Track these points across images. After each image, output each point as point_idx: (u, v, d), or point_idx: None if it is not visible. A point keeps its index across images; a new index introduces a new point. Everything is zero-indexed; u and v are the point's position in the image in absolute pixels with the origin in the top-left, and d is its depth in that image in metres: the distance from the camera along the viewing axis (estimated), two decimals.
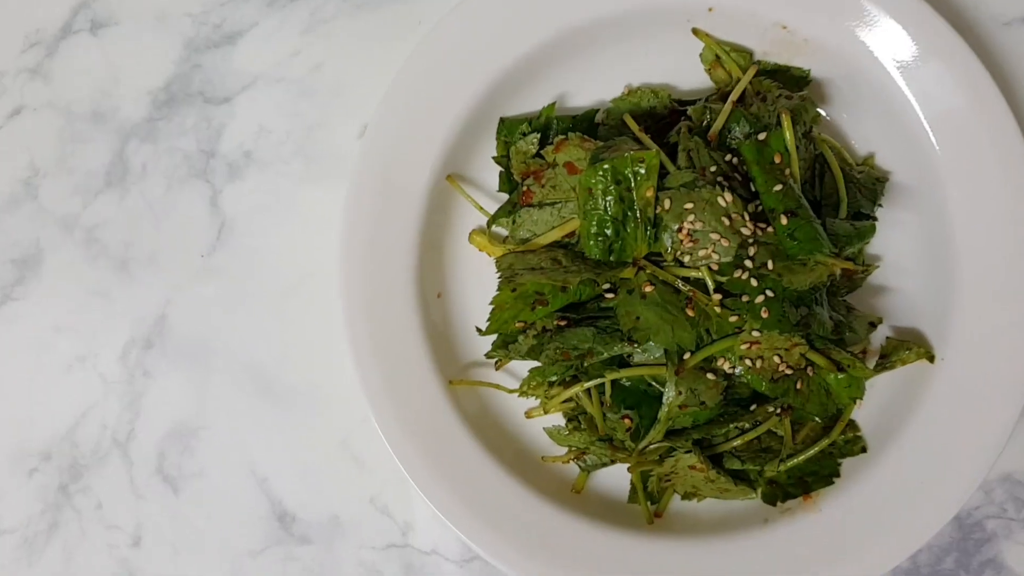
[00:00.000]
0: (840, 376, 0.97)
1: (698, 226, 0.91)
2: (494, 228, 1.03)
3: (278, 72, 1.10)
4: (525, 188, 1.00)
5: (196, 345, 1.10)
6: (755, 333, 0.93)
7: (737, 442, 0.99)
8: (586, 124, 1.03)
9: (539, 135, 1.01)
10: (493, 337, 1.00)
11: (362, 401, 0.97)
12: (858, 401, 0.99)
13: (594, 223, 0.94)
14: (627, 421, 0.98)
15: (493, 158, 1.05)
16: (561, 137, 0.98)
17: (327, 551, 1.09)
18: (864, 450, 1.02)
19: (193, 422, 1.10)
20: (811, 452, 1.00)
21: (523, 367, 1.02)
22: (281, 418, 1.09)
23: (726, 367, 0.95)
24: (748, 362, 0.94)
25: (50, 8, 1.12)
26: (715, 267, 0.93)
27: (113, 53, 1.12)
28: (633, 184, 0.92)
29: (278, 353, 1.10)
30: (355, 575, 1.09)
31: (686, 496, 1.03)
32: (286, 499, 1.09)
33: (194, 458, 1.10)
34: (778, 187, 0.93)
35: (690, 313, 0.94)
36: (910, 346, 1.00)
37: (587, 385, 0.98)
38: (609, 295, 0.96)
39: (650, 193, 0.92)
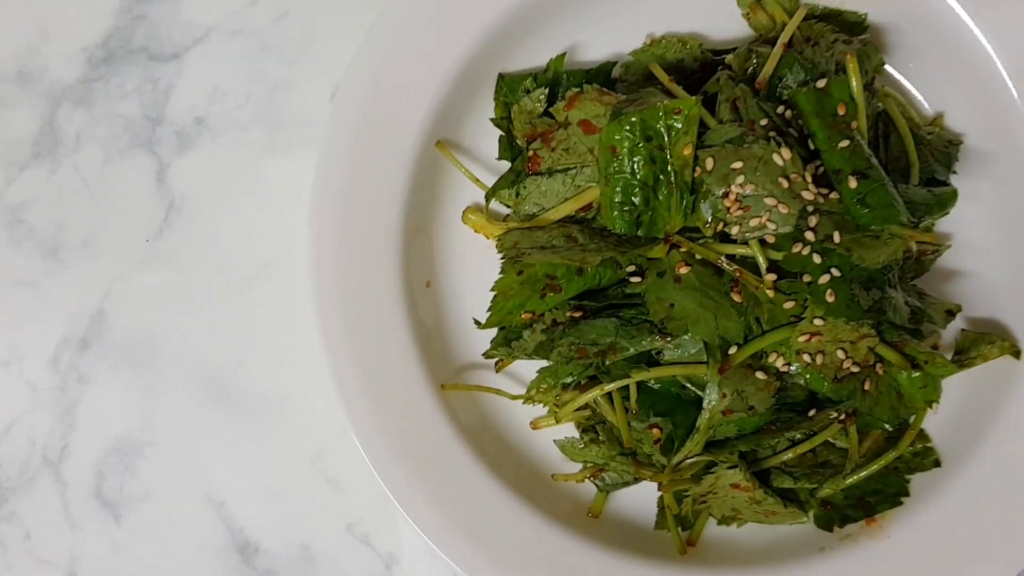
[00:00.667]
0: (914, 375, 0.81)
1: (748, 189, 0.76)
2: (493, 204, 0.90)
3: (235, 23, 0.97)
4: (531, 154, 0.85)
5: (140, 346, 0.95)
6: (817, 322, 0.78)
7: (789, 455, 0.84)
8: (602, 80, 0.90)
9: (547, 90, 0.86)
10: (493, 333, 0.88)
11: (338, 411, 0.85)
12: (934, 405, 0.83)
13: (618, 190, 0.79)
14: (656, 431, 0.83)
15: (491, 120, 0.90)
16: (575, 90, 0.83)
17: None
18: (938, 464, 0.87)
19: (137, 436, 0.95)
20: (874, 467, 0.85)
21: (530, 369, 0.88)
22: (242, 431, 0.94)
23: (779, 364, 0.81)
24: (807, 358, 0.80)
25: None
26: (770, 240, 0.78)
27: (42, 5, 0.96)
28: (667, 141, 0.77)
29: (238, 356, 0.95)
30: None
31: (724, 521, 0.88)
32: (248, 527, 0.94)
33: (138, 479, 0.94)
34: (844, 143, 0.78)
35: (736, 298, 0.79)
36: (992, 339, 0.85)
37: (608, 388, 0.83)
38: (635, 279, 0.82)
39: (688, 151, 0.77)
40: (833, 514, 0.87)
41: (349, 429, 0.84)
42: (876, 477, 0.86)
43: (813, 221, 0.78)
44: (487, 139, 0.91)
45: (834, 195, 0.79)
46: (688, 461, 0.83)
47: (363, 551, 0.93)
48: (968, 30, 0.85)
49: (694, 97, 0.77)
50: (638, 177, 0.78)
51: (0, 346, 0.94)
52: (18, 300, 0.95)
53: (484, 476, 0.86)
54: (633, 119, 0.77)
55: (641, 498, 0.90)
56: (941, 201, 0.84)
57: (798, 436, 0.83)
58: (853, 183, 0.78)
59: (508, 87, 0.89)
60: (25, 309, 0.95)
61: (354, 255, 0.86)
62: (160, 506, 0.94)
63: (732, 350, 0.79)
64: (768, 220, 0.77)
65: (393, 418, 0.85)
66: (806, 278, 0.78)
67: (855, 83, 0.79)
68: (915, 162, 0.85)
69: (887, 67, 0.89)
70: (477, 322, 0.84)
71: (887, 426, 0.83)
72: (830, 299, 0.77)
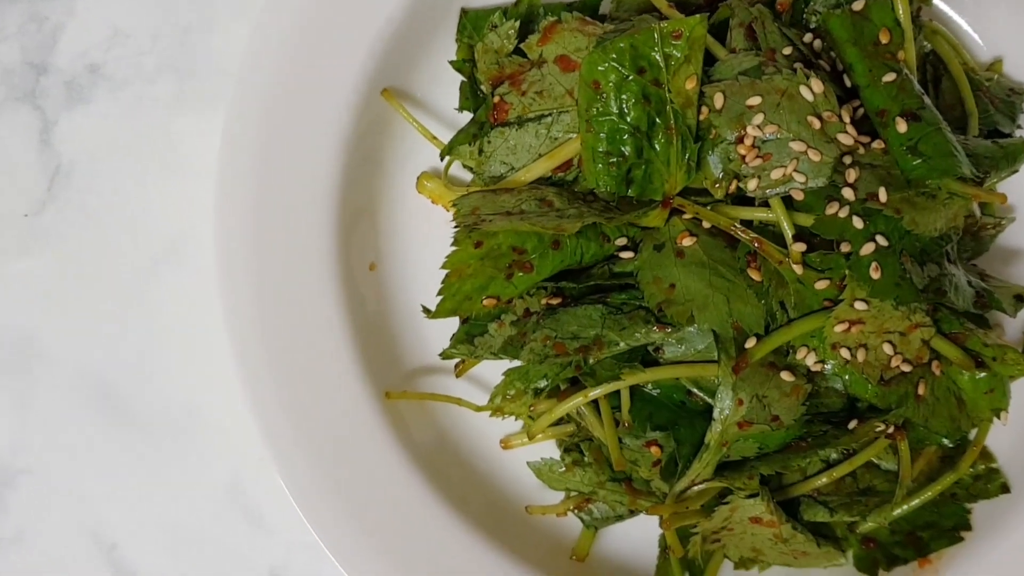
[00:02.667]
0: (980, 376, 0.67)
1: (769, 132, 0.63)
2: (454, 167, 0.76)
3: None
4: (497, 100, 0.70)
5: (13, 347, 0.79)
6: (859, 305, 0.63)
7: (823, 479, 0.69)
8: (587, 13, 0.75)
9: (518, 24, 0.73)
10: (452, 329, 0.72)
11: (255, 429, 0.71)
12: (1002, 415, 0.69)
13: (603, 136, 0.65)
14: (655, 450, 0.68)
15: (450, 63, 0.76)
16: (551, 19, 0.68)
17: None
18: (1006, 489, 0.73)
19: (7, 461, 0.79)
20: (928, 494, 0.71)
21: (497, 373, 0.73)
22: (139, 454, 0.80)
23: (810, 362, 0.67)
24: (845, 353, 0.66)
25: None
26: (797, 197, 0.64)
27: None
28: (664, 73, 0.62)
29: (136, 360, 0.80)
30: None
31: (741, 564, 0.73)
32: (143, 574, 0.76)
33: (8, 515, 0.78)
34: (889, 76, 0.64)
35: (755, 277, 0.66)
36: None
37: (593, 395, 0.68)
38: (626, 254, 0.68)
39: (692, 85, 0.64)
40: (878, 554, 0.73)
41: (268, 455, 0.69)
42: (930, 507, 0.73)
43: (852, 176, 0.64)
44: (445, 88, 0.77)
45: (878, 143, 0.65)
46: (696, 488, 0.68)
47: None
48: None
49: (698, 15, 0.63)
50: (628, 120, 0.64)
51: None
52: None
53: (441, 511, 0.72)
54: (621, 45, 0.63)
55: (638, 536, 0.74)
56: (1009, 154, 0.71)
57: (834, 456, 0.70)
58: (902, 126, 0.64)
59: (473, 24, 0.75)
60: None
61: (273, 232, 0.72)
62: (34, 548, 0.78)
63: (750, 343, 0.65)
64: (795, 171, 0.64)
65: (324, 438, 0.71)
66: (844, 248, 0.64)
67: (901, 5, 0.65)
68: (973, 111, 0.72)
69: (937, 1, 0.74)
70: (427, 310, 0.68)
71: (946, 441, 0.69)
72: (875, 275, 0.64)
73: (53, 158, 0.80)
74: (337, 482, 0.70)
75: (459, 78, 0.76)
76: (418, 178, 0.76)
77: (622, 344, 0.65)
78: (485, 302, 0.67)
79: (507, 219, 0.64)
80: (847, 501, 0.70)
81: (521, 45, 0.71)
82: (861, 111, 0.65)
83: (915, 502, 0.71)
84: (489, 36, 0.72)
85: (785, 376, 0.65)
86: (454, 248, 0.66)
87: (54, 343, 0.79)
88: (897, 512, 0.70)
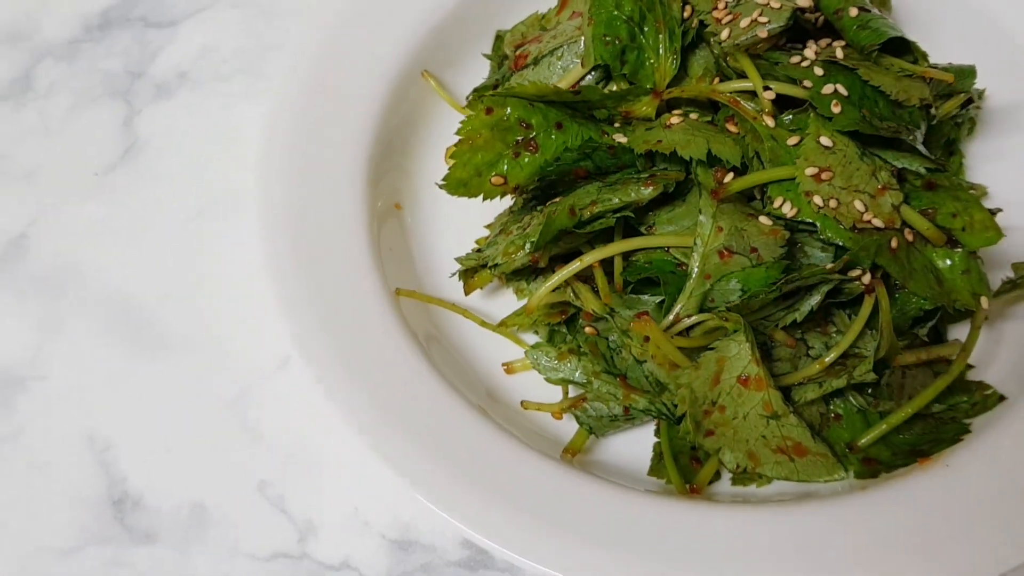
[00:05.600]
0: (954, 260, 0.68)
1: None
2: None
3: None
4: (517, 55, 0.79)
5: (55, 274, 0.83)
6: (824, 142, 0.67)
7: (796, 317, 0.67)
8: None
9: (543, 18, 0.83)
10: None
11: (271, 346, 0.76)
12: (983, 299, 0.68)
13: (602, 23, 0.72)
14: (645, 320, 0.67)
15: (484, 55, 0.87)
16: None
17: (176, 556, 0.70)
18: (1003, 398, 0.70)
19: (23, 370, 0.79)
20: (923, 400, 0.69)
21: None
22: (150, 370, 0.78)
23: (787, 210, 0.68)
24: (819, 200, 0.67)
25: None
26: (763, 37, 0.69)
27: None
28: None
29: (165, 290, 0.82)
30: None
31: (739, 479, 0.70)
32: (132, 476, 0.74)
33: (12, 416, 0.77)
34: None
35: (732, 129, 0.70)
36: None
37: (588, 259, 0.70)
38: (620, 138, 0.71)
39: None
40: (879, 467, 0.68)
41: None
42: (932, 427, 0.69)
43: (813, 47, 0.70)
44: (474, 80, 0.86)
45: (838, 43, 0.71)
46: (683, 322, 0.67)
47: (274, 517, 0.72)
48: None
49: None
50: (624, 11, 0.71)
51: None
52: None
53: (442, 387, 0.70)
54: None
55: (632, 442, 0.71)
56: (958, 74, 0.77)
57: (817, 300, 0.67)
58: (853, 11, 0.71)
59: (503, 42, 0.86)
60: None
61: (308, 174, 0.77)
62: (27, 446, 0.75)
63: (728, 178, 0.67)
64: (759, 17, 0.69)
65: (344, 329, 0.71)
66: (807, 83, 0.68)
67: None
68: None
69: None
70: (440, 185, 0.73)
71: (925, 303, 0.68)
72: (836, 109, 0.67)
73: (131, 135, 0.88)
74: (355, 367, 0.69)
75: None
76: (447, 150, 0.79)
77: (616, 200, 0.68)
78: (493, 179, 0.71)
79: (519, 99, 0.71)
80: (834, 372, 0.67)
81: (541, 22, 0.82)
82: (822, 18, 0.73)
83: (907, 410, 0.68)
84: (517, 26, 0.85)
85: (764, 220, 0.67)
86: (468, 114, 0.71)
87: (92, 271, 0.82)
88: (898, 439, 0.67)
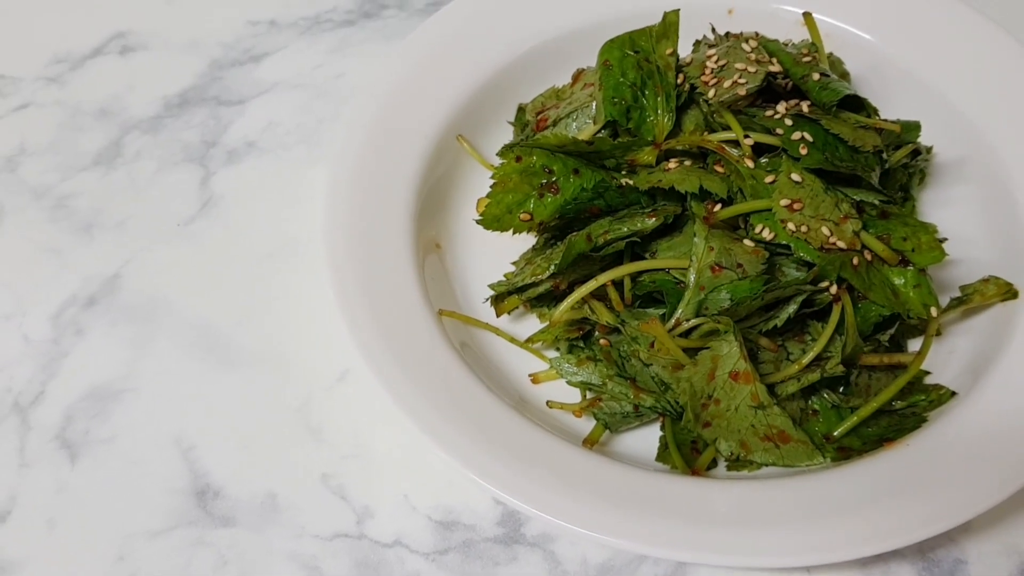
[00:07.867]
0: (907, 277, 0.82)
1: (721, 64, 0.86)
2: None
3: (299, 80, 1.12)
4: (539, 119, 0.95)
5: (147, 303, 0.95)
6: (795, 177, 0.82)
7: (778, 323, 0.81)
8: None
9: (559, 89, 0.99)
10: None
11: (331, 362, 0.90)
12: (932, 309, 0.81)
13: (611, 88, 0.87)
14: (653, 325, 0.80)
15: (509, 122, 1.01)
16: (580, 69, 0.96)
17: (252, 537, 0.82)
18: (954, 393, 0.83)
19: (118, 384, 0.91)
20: (890, 392, 0.82)
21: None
22: (229, 381, 0.91)
23: (766, 234, 0.82)
24: (791, 226, 0.81)
25: (84, 34, 1.16)
26: (741, 93, 0.84)
27: (136, 69, 1.14)
28: (652, 51, 0.88)
29: (239, 315, 0.94)
30: (285, 572, 0.80)
31: (735, 465, 0.82)
32: (213, 471, 0.86)
33: (108, 422, 0.89)
34: (808, 58, 0.89)
35: (719, 170, 0.84)
36: (988, 278, 0.86)
37: (603, 279, 0.84)
38: (628, 181, 0.86)
39: (669, 51, 0.88)
40: (851, 454, 0.80)
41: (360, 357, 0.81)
42: (896, 421, 0.82)
43: (783, 105, 0.85)
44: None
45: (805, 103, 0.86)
46: (682, 326, 0.80)
47: (335, 503, 0.83)
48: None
49: (676, 9, 0.89)
50: (628, 78, 0.87)
51: (7, 301, 0.95)
52: (39, 264, 0.97)
53: (478, 385, 0.82)
54: (624, 37, 0.89)
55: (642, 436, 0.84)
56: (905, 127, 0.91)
57: (794, 308, 0.81)
58: (816, 77, 0.85)
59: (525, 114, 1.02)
60: (43, 271, 0.97)
61: (369, 225, 0.89)
62: (122, 448, 0.87)
63: (717, 208, 0.82)
64: (738, 79, 0.84)
65: (400, 343, 0.83)
66: (779, 132, 0.83)
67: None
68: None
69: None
70: (477, 221, 0.86)
71: (884, 310, 0.82)
72: (803, 152, 0.81)
73: (207, 192, 1.02)
74: (411, 374, 0.80)
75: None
76: (479, 200, 0.92)
77: (625, 229, 0.82)
78: (522, 216, 0.84)
79: (543, 149, 0.86)
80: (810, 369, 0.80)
81: (558, 92, 0.97)
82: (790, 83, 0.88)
83: (873, 404, 0.80)
84: (536, 98, 1.01)
85: (747, 242, 0.81)
86: (500, 163, 0.85)
87: (177, 303, 0.94)
88: (868, 432, 0.80)
